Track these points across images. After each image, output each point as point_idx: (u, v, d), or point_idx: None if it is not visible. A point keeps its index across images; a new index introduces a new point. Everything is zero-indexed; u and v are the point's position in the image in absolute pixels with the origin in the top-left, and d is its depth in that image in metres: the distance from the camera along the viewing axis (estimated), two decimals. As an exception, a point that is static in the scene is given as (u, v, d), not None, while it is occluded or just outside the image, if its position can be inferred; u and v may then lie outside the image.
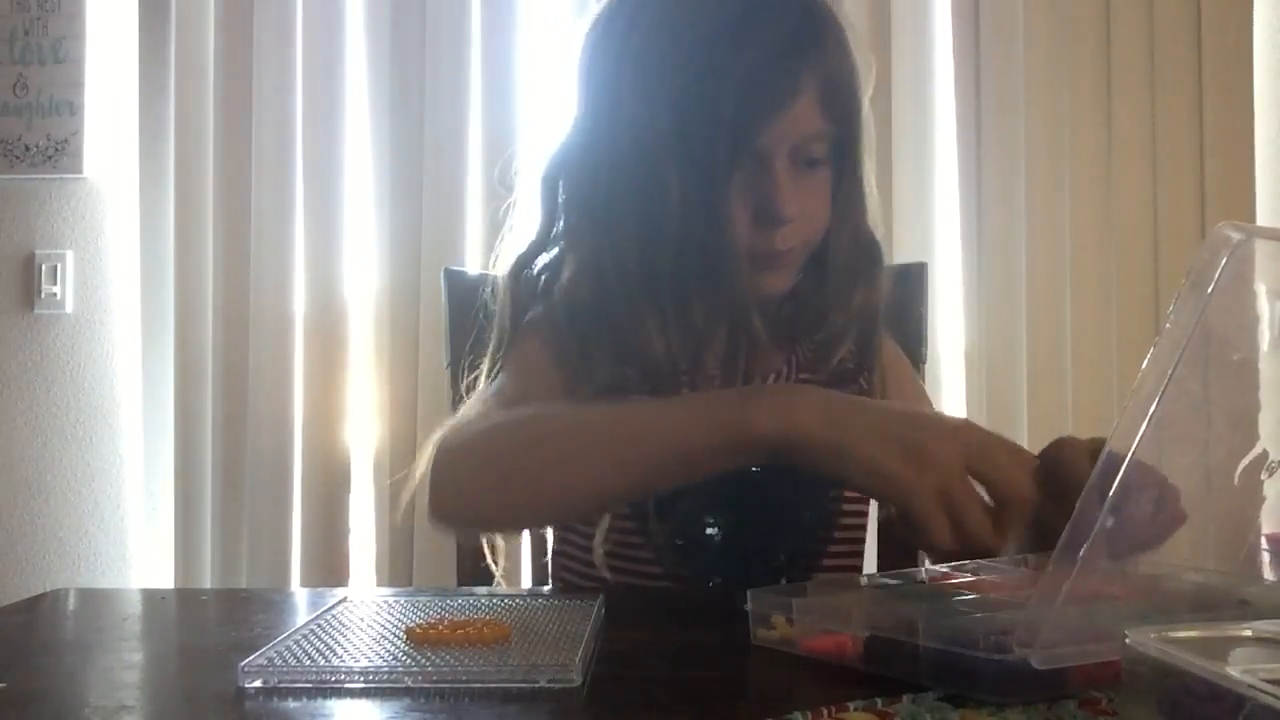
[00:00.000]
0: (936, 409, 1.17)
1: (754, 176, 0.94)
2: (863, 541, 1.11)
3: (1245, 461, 0.53)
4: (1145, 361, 0.49)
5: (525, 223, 1.07)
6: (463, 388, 1.10)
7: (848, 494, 1.05)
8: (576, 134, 1.02)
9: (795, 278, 1.00)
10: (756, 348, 1.00)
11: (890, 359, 1.11)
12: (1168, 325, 0.49)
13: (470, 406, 0.99)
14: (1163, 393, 0.48)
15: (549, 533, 1.14)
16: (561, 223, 1.03)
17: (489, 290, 1.08)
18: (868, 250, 1.03)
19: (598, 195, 0.98)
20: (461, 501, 0.86)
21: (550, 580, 1.12)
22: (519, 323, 1.04)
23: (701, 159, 0.92)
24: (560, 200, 1.03)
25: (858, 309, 1.03)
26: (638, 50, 0.95)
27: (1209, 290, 0.48)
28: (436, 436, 0.89)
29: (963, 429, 0.75)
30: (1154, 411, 0.48)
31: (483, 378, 1.07)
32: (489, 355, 1.06)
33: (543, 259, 1.05)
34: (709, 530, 1.00)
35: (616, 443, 0.83)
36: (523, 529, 1.13)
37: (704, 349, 1.01)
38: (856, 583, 0.72)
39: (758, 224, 0.95)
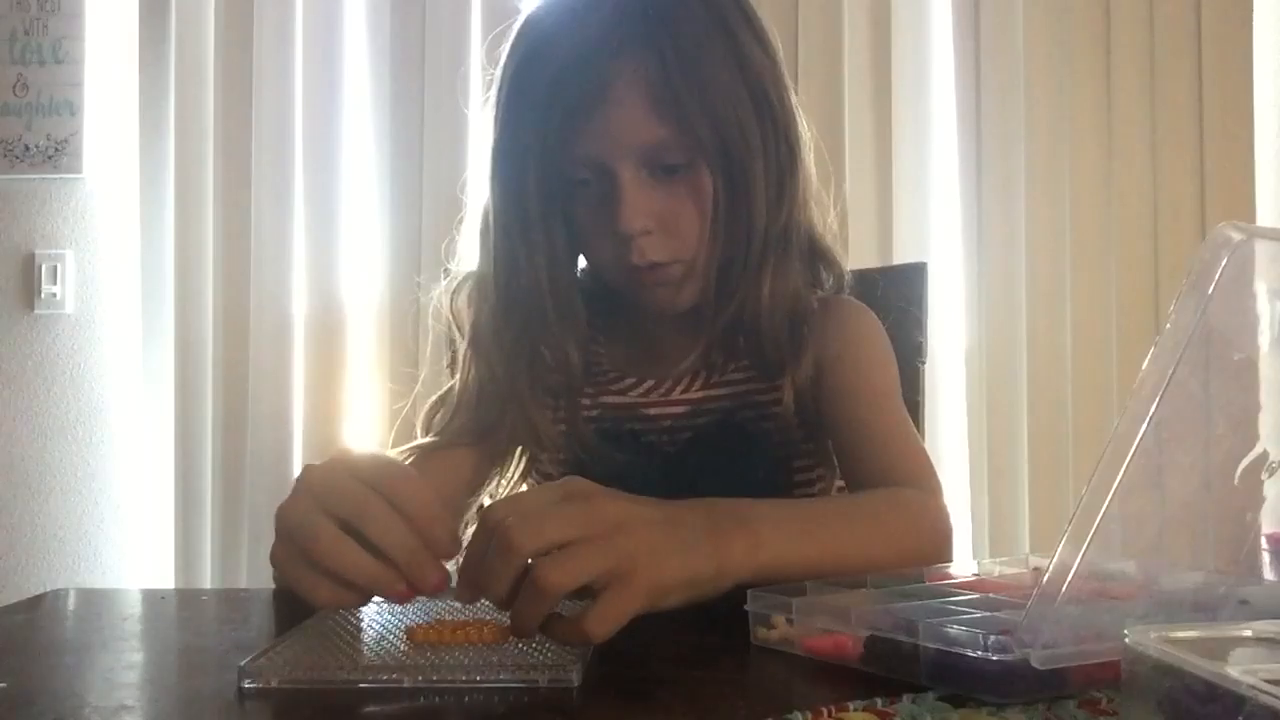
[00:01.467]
0: (908, 427, 1.12)
1: (606, 197, 0.92)
2: None
3: (1245, 462, 0.53)
4: (1146, 362, 0.49)
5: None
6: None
7: (797, 480, 1.05)
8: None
9: (697, 292, 0.97)
10: (661, 353, 1.03)
11: (831, 325, 1.03)
12: (1168, 325, 0.49)
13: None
14: (1163, 393, 0.48)
15: None
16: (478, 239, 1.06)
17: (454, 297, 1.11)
18: (776, 243, 0.97)
19: (491, 219, 1.02)
20: None
21: None
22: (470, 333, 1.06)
23: (514, 179, 0.94)
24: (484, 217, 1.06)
25: (769, 302, 0.97)
26: (502, 90, 0.97)
27: (1209, 290, 0.48)
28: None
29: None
30: (1154, 412, 0.48)
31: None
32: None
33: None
34: None
35: None
36: None
37: (608, 359, 1.05)
38: (857, 582, 0.72)
39: (614, 239, 0.92)
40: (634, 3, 0.90)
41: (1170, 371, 0.48)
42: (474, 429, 1.02)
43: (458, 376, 1.07)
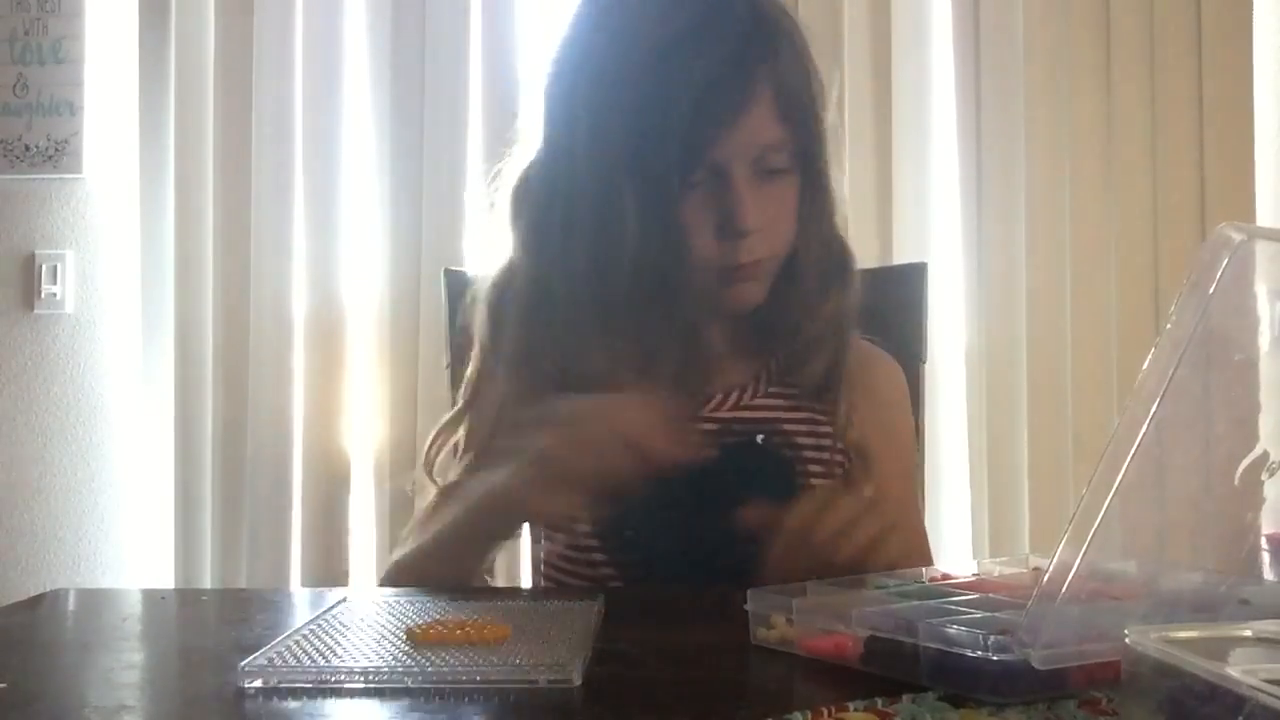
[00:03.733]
0: (912, 426, 1.15)
1: (715, 190, 0.93)
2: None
3: (1246, 462, 0.53)
4: (1146, 362, 0.49)
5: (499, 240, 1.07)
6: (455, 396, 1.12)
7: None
8: (537, 153, 1.01)
9: (767, 289, 0.99)
10: (710, 364, 1.01)
11: (861, 374, 1.07)
12: (1169, 326, 0.49)
13: (452, 468, 1.06)
14: (1164, 393, 0.48)
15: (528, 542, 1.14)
16: (511, 242, 1.03)
17: (465, 307, 1.08)
18: (839, 256, 1.02)
19: (553, 215, 0.98)
20: None
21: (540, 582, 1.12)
22: (485, 348, 1.05)
23: (655, 174, 0.92)
24: (519, 220, 1.02)
25: (830, 316, 1.01)
26: (593, 67, 0.96)
27: (1210, 291, 0.48)
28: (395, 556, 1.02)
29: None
30: (1154, 412, 0.48)
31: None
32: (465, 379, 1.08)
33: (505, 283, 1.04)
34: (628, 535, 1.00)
35: (440, 554, 0.95)
36: None
37: (655, 368, 0.99)
38: (857, 582, 0.72)
39: (721, 238, 0.94)
40: (767, 10, 0.95)
41: (1171, 372, 0.48)
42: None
43: (467, 399, 1.06)
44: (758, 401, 1.04)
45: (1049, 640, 0.49)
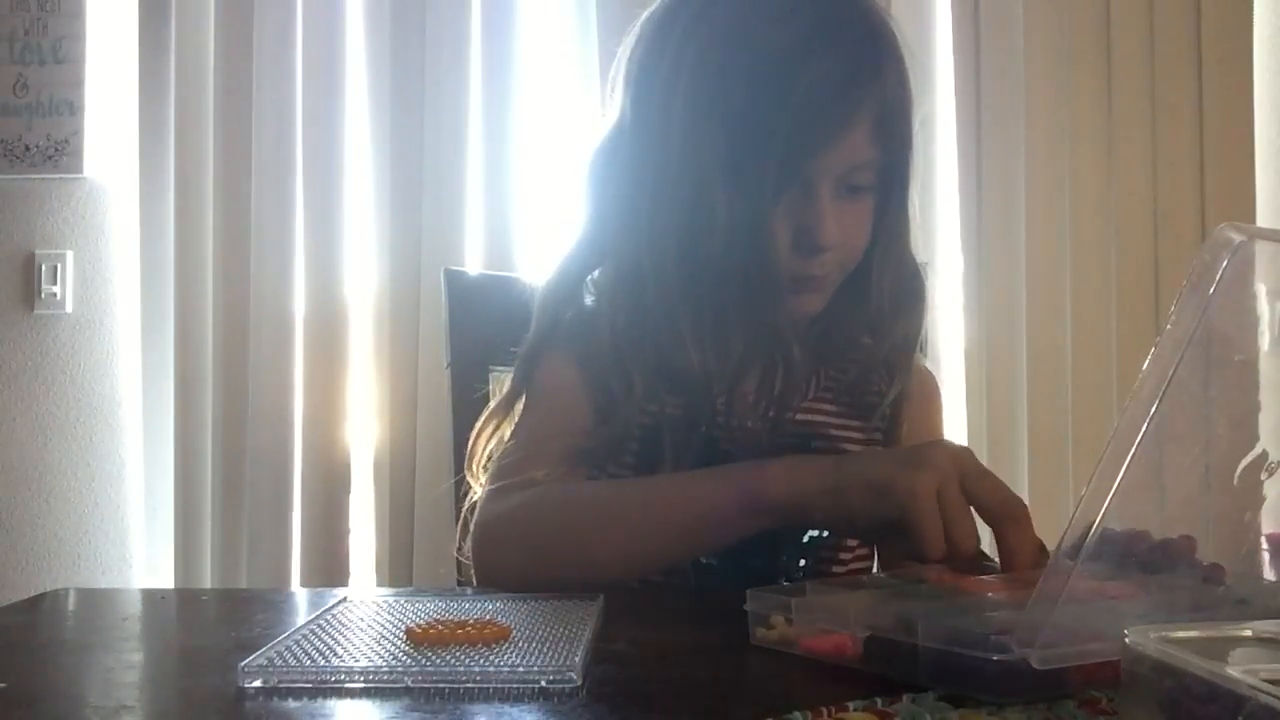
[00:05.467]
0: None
1: (798, 201, 0.92)
2: (871, 558, 1.10)
3: (1245, 462, 0.53)
4: (1146, 362, 0.49)
5: (568, 223, 1.05)
6: (490, 389, 1.11)
7: None
8: (622, 133, 0.99)
9: (827, 301, 0.99)
10: (793, 374, 1.00)
11: (919, 389, 1.10)
12: (1169, 326, 0.49)
13: (498, 451, 1.01)
14: (1163, 394, 0.48)
15: None
16: (593, 223, 1.01)
17: (533, 291, 1.04)
18: (912, 280, 1.02)
19: (641, 203, 0.96)
20: (504, 575, 0.89)
21: None
22: (550, 331, 1.01)
23: (751, 182, 0.91)
24: (601, 201, 1.00)
25: (901, 338, 1.02)
26: (695, 59, 0.93)
27: (1210, 291, 0.48)
28: (480, 494, 0.95)
29: (948, 448, 0.77)
30: (1154, 412, 0.48)
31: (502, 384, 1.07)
32: (519, 359, 1.03)
33: (581, 265, 1.02)
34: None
35: (647, 517, 0.88)
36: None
37: (742, 372, 0.99)
38: (856, 582, 0.72)
39: (797, 250, 0.94)
40: (879, 27, 0.94)
41: (1171, 372, 0.48)
42: (587, 457, 0.98)
43: (539, 372, 1.01)
44: (806, 405, 1.03)
45: (1048, 640, 0.49)
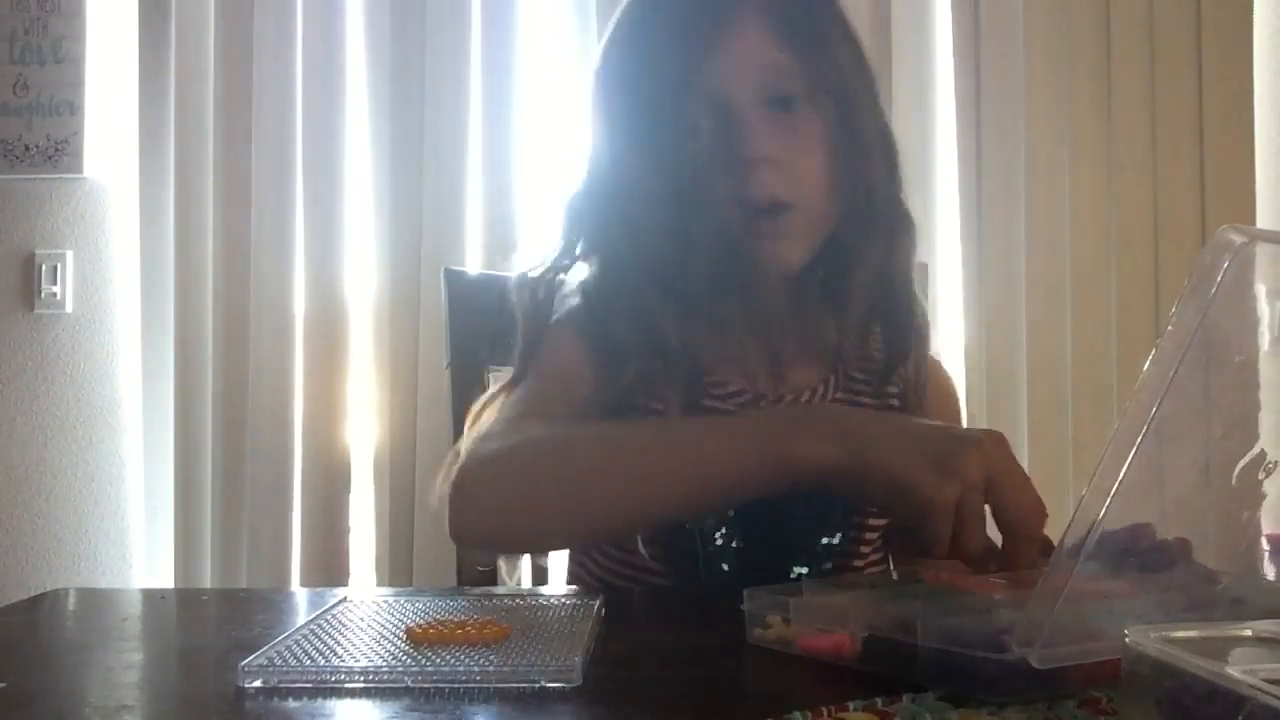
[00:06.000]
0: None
1: (724, 130, 0.90)
2: (885, 562, 1.09)
3: (1244, 461, 0.53)
4: (1147, 363, 0.49)
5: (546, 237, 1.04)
6: (488, 385, 1.10)
7: (871, 521, 1.01)
8: (588, 151, 1.00)
9: (809, 251, 0.93)
10: (787, 340, 0.96)
11: (936, 388, 1.06)
12: (1170, 328, 0.49)
13: (494, 412, 0.93)
14: (1164, 395, 0.48)
15: None
16: (580, 241, 1.01)
17: (517, 294, 1.03)
18: (888, 206, 0.95)
19: (594, 186, 0.97)
20: (482, 520, 0.82)
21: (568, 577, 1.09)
22: (542, 325, 1.00)
23: (660, 115, 0.90)
24: (576, 220, 1.00)
25: (883, 271, 0.95)
26: (607, 59, 0.97)
27: (1211, 293, 0.48)
28: (461, 446, 0.86)
29: (988, 442, 0.72)
30: (1155, 413, 0.48)
31: (495, 380, 1.06)
32: (516, 356, 1.01)
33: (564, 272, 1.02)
34: (718, 543, 0.98)
35: (653, 466, 0.80)
36: (545, 550, 1.08)
37: (725, 339, 0.96)
38: (852, 582, 0.72)
39: (733, 176, 0.89)
40: None
41: (1171, 374, 0.48)
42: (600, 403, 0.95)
43: (537, 355, 0.99)
44: (837, 397, 1.01)
45: (1048, 640, 0.49)
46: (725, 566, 0.97)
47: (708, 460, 0.79)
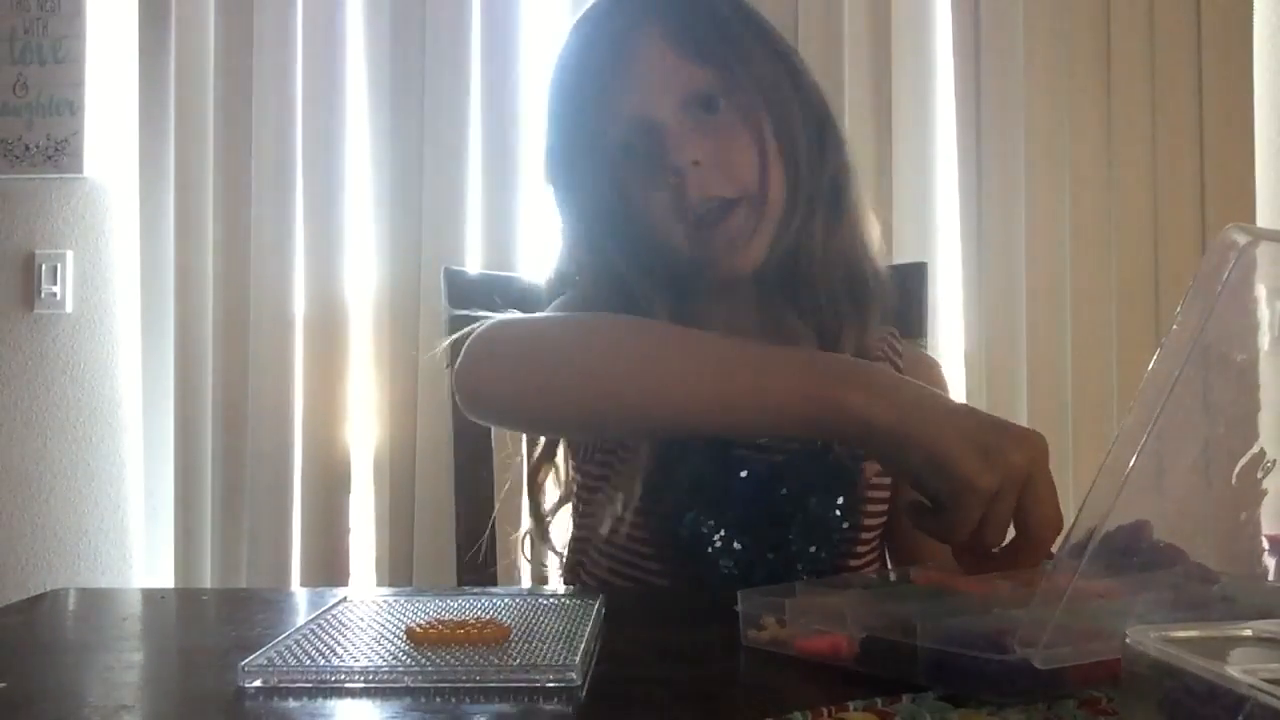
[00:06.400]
0: None
1: (653, 146, 0.92)
2: (880, 555, 1.09)
3: (1243, 460, 0.53)
4: (1151, 363, 0.49)
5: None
6: None
7: (866, 524, 1.02)
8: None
9: (766, 245, 0.94)
10: (749, 328, 0.97)
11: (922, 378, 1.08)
12: (1174, 327, 0.49)
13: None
14: (1169, 396, 0.48)
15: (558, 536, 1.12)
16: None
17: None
18: (828, 196, 0.95)
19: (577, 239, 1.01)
20: (495, 391, 0.81)
21: (565, 576, 1.10)
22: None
23: (591, 142, 0.94)
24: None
25: (822, 255, 0.95)
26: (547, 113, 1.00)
27: (1216, 293, 0.48)
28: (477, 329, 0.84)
29: (1035, 442, 0.71)
30: (1159, 413, 0.48)
31: None
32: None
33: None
34: (718, 541, 0.98)
35: (695, 367, 0.76)
36: (550, 431, 1.02)
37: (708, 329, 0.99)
38: (844, 582, 0.72)
39: (669, 187, 0.91)
40: None
41: (1176, 374, 0.48)
42: None
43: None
44: None
45: (1050, 640, 0.49)
46: (725, 567, 0.97)
47: (757, 382, 0.75)
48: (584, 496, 1.05)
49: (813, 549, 0.99)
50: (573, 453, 1.05)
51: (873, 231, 1.02)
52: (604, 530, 0.99)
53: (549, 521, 1.07)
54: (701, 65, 0.92)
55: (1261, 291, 0.52)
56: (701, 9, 0.94)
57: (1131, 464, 0.48)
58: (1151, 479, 0.51)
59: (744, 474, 0.98)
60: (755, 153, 0.93)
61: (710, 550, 0.97)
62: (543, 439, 1.05)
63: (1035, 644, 0.49)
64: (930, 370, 1.12)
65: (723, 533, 0.97)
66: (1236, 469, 0.53)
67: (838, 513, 0.99)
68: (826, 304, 0.96)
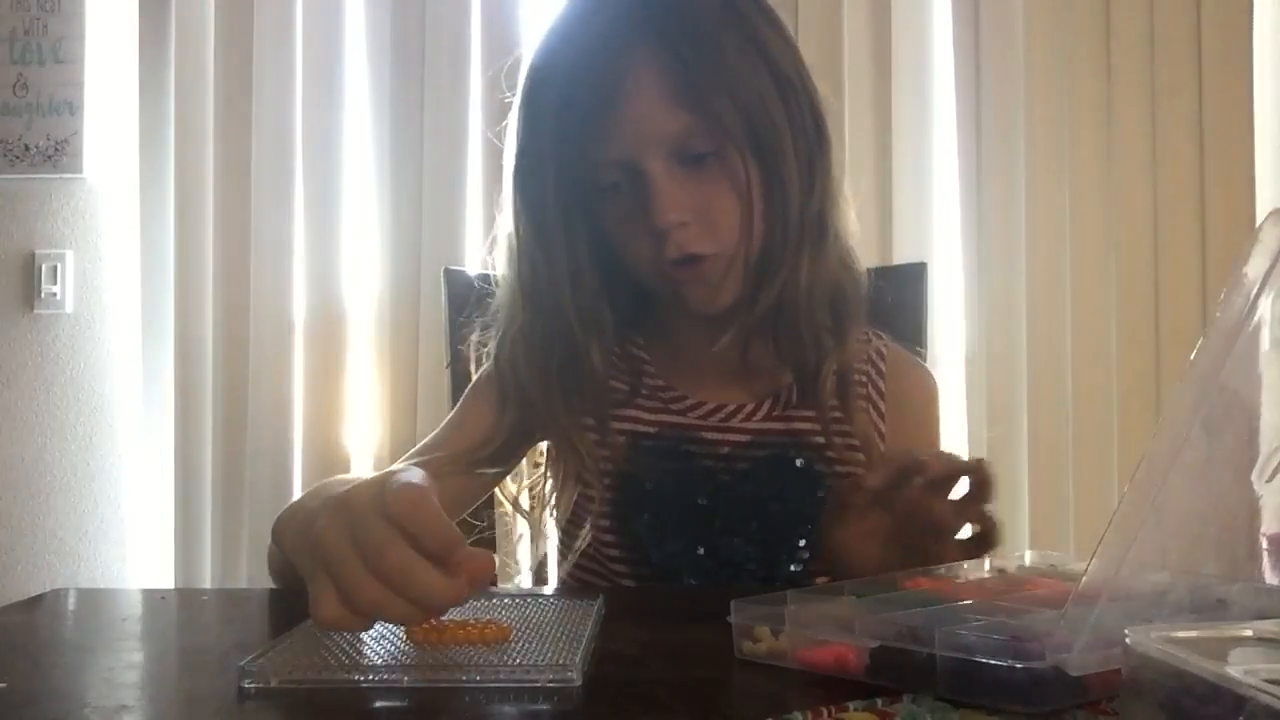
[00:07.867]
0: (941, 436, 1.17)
1: (638, 191, 0.90)
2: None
3: (1243, 461, 0.53)
4: (1194, 352, 0.48)
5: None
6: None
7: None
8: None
9: (735, 290, 0.94)
10: (718, 357, 0.97)
11: (919, 394, 1.10)
12: (1218, 314, 0.48)
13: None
14: (1210, 391, 0.47)
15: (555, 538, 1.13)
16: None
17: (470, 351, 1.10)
18: (812, 228, 0.94)
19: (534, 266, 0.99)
20: (270, 558, 0.86)
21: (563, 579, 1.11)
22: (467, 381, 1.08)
23: (534, 193, 0.93)
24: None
25: (807, 290, 0.94)
26: (515, 112, 0.98)
27: (1267, 278, 0.46)
28: None
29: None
30: (1205, 405, 0.47)
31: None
32: None
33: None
34: (674, 550, 1.00)
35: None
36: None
37: (679, 354, 1.03)
38: (835, 590, 0.69)
39: (650, 238, 0.91)
40: None
41: (1224, 361, 0.47)
42: (467, 458, 1.00)
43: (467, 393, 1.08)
44: (789, 413, 1.03)
45: (1085, 646, 0.48)
46: (692, 580, 0.98)
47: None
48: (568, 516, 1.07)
49: (776, 555, 1.00)
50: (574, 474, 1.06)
51: (850, 220, 1.01)
52: (579, 545, 1.02)
53: (543, 526, 1.09)
54: (693, 110, 0.88)
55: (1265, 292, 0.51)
56: (699, 32, 0.89)
57: (1171, 464, 0.47)
58: (1198, 472, 0.50)
59: (709, 486, 1.00)
60: (738, 208, 0.91)
61: (682, 567, 0.99)
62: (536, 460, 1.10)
63: (1069, 650, 0.48)
64: (914, 372, 1.11)
65: (699, 550, 0.99)
66: (1257, 466, 0.52)
67: (808, 516, 1.00)
68: (809, 341, 0.97)
